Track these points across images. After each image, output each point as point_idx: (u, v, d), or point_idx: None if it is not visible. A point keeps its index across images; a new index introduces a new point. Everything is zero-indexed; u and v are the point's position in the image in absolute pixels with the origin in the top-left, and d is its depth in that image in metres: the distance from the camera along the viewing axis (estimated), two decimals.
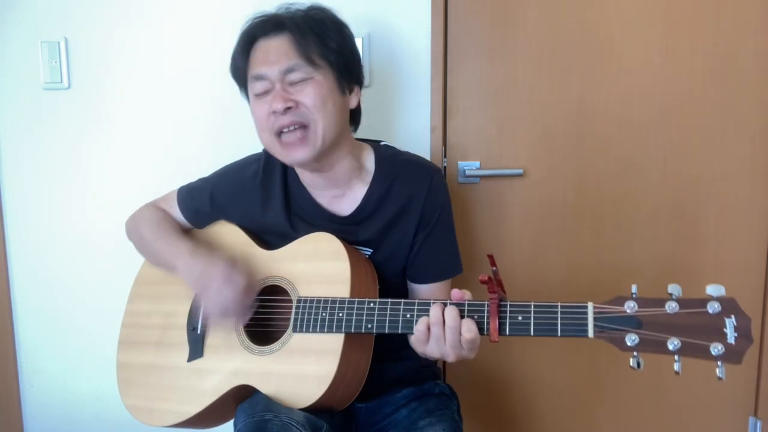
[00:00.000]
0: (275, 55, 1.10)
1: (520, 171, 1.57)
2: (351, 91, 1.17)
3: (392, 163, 1.21)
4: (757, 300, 1.60)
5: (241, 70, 1.17)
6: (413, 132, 1.57)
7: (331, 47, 1.11)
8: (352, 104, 1.18)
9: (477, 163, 1.58)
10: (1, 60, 1.62)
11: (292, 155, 1.13)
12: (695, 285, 1.61)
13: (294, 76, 1.10)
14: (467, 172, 1.57)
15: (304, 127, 1.10)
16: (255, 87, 1.13)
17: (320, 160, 1.15)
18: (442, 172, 1.24)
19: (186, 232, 1.33)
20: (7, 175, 1.67)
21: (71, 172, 1.65)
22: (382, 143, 1.27)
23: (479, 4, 1.54)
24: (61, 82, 1.60)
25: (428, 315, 0.98)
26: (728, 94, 1.53)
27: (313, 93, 1.09)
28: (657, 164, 1.57)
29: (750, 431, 1.66)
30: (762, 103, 1.53)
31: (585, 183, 1.58)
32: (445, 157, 1.58)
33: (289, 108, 1.09)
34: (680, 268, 1.60)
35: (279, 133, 1.12)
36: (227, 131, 1.60)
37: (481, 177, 1.59)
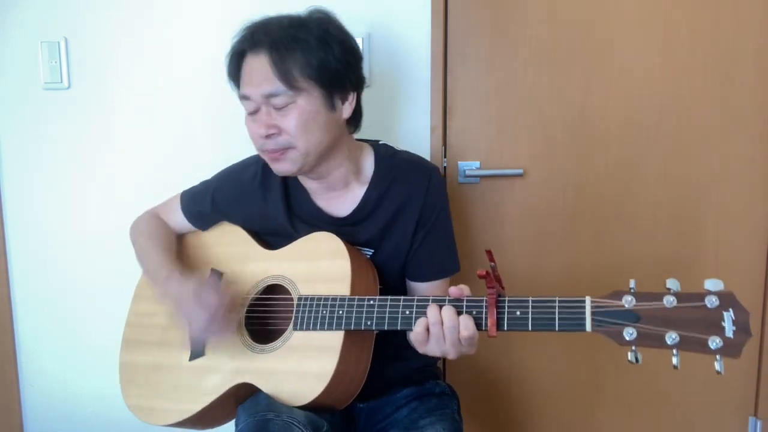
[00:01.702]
0: (258, 77, 1.08)
1: (520, 171, 1.57)
2: (345, 100, 1.14)
3: (391, 163, 1.21)
4: (757, 300, 1.60)
5: (234, 83, 1.16)
6: (413, 132, 1.57)
7: (312, 65, 1.07)
8: (346, 114, 1.15)
9: (477, 163, 1.58)
10: (1, 60, 1.62)
11: (278, 168, 1.14)
12: (695, 285, 1.61)
13: (276, 101, 1.08)
14: (467, 172, 1.57)
15: (286, 149, 1.11)
16: (245, 106, 1.13)
17: (312, 171, 1.16)
18: (441, 170, 1.24)
19: (181, 237, 1.34)
20: (7, 175, 1.67)
21: (71, 172, 1.65)
22: (381, 142, 1.27)
23: (479, 4, 1.54)
24: (61, 82, 1.60)
25: (426, 315, 0.99)
26: (728, 94, 1.53)
27: (296, 119, 1.08)
28: (657, 164, 1.57)
29: (750, 431, 1.66)
30: (762, 103, 1.53)
31: (585, 183, 1.58)
32: (445, 157, 1.58)
33: (271, 134, 1.09)
34: (680, 268, 1.60)
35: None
36: (228, 131, 1.60)
37: (481, 177, 1.59)
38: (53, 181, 1.66)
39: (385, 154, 1.23)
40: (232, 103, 1.58)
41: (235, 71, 1.14)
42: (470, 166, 1.58)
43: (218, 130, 1.61)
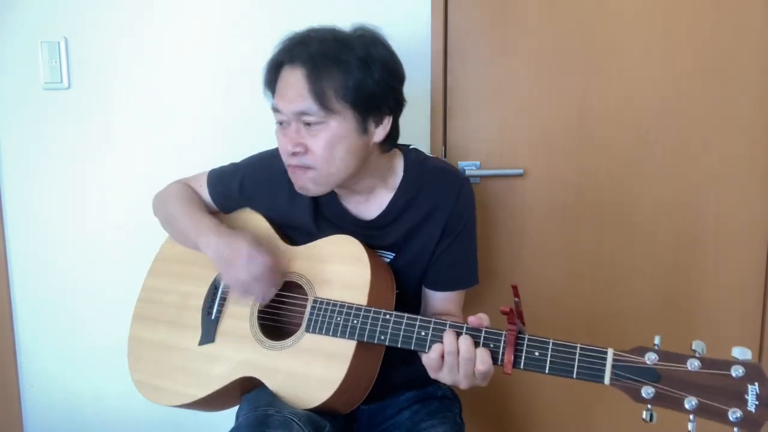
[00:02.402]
0: (292, 92, 1.06)
1: (520, 171, 1.57)
2: (379, 124, 1.11)
3: (421, 170, 1.20)
4: (757, 300, 1.60)
5: (268, 92, 1.13)
6: (413, 132, 1.57)
7: (350, 86, 1.04)
8: (377, 138, 1.11)
9: (477, 163, 1.58)
10: (1, 60, 1.62)
11: (298, 186, 1.13)
12: (695, 284, 1.61)
13: (307, 119, 1.06)
14: (467, 172, 1.57)
15: (310, 169, 1.09)
16: (275, 116, 1.11)
17: (337, 186, 1.15)
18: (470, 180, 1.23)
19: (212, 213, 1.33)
20: (7, 175, 1.67)
21: (71, 172, 1.65)
22: (411, 147, 1.26)
23: (479, 4, 1.54)
24: (61, 82, 1.60)
25: (442, 341, 0.97)
26: (728, 94, 1.53)
27: (324, 142, 1.06)
28: (657, 164, 1.57)
29: None
30: (762, 103, 1.53)
31: (585, 183, 1.58)
32: (445, 157, 1.58)
33: (297, 152, 1.08)
34: (680, 267, 1.60)
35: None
36: (228, 131, 1.60)
37: (481, 177, 1.59)
38: (53, 181, 1.66)
39: (416, 160, 1.21)
40: (233, 102, 1.59)
41: (271, 80, 1.11)
42: (470, 166, 1.58)
43: (218, 130, 1.61)
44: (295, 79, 1.06)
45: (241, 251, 1.12)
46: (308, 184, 1.11)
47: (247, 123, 1.59)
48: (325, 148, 1.06)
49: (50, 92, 1.62)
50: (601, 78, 1.54)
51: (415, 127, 1.57)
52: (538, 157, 1.58)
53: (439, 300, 1.22)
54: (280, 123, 1.11)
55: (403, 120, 1.61)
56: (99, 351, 1.69)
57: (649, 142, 1.56)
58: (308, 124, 1.07)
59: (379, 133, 1.11)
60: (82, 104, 1.62)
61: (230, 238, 1.15)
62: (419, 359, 1.04)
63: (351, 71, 1.05)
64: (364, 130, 1.09)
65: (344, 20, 1.16)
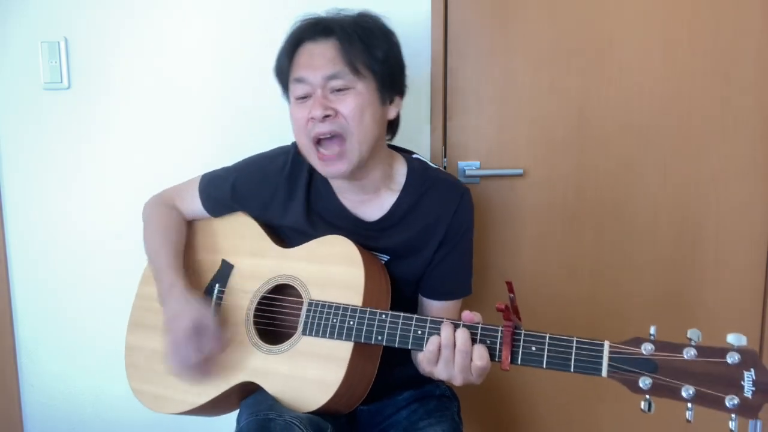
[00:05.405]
0: (320, 59, 1.08)
1: (520, 171, 1.57)
2: (392, 101, 1.15)
3: (424, 177, 1.20)
4: (757, 300, 1.60)
5: (284, 71, 1.14)
6: (413, 132, 1.57)
7: (376, 57, 1.09)
8: (391, 115, 1.16)
9: (477, 163, 1.58)
10: (1, 60, 1.62)
11: (329, 170, 1.11)
12: (695, 284, 1.61)
13: (336, 83, 1.07)
14: (467, 172, 1.57)
15: (340, 138, 1.08)
16: (296, 90, 1.11)
17: (354, 171, 1.15)
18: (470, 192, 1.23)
19: (193, 223, 1.33)
20: (7, 175, 1.67)
21: (71, 172, 1.65)
22: (413, 155, 1.27)
23: (479, 4, 1.54)
24: (61, 82, 1.60)
25: (439, 334, 0.97)
26: (728, 94, 1.53)
27: (353, 103, 1.07)
28: (657, 164, 1.57)
29: (750, 431, 1.66)
30: (762, 103, 1.53)
31: (585, 183, 1.58)
32: (445, 157, 1.58)
33: (327, 116, 1.07)
34: (680, 268, 1.60)
35: (317, 141, 1.09)
36: (228, 131, 1.60)
37: (481, 177, 1.59)
38: (53, 181, 1.66)
39: (419, 167, 1.22)
40: (233, 102, 1.59)
41: (287, 59, 1.12)
42: (470, 166, 1.58)
43: (219, 130, 1.61)
44: (324, 48, 1.09)
45: (185, 320, 1.10)
46: (342, 165, 1.09)
47: (247, 123, 1.59)
48: (355, 110, 1.08)
49: (50, 92, 1.62)
50: (601, 78, 1.54)
51: (415, 127, 1.57)
52: (538, 157, 1.58)
53: (434, 308, 1.22)
54: (303, 97, 1.10)
55: (404, 120, 1.61)
56: (99, 351, 1.69)
57: (649, 142, 1.56)
58: (338, 90, 1.08)
59: (393, 110, 1.16)
60: (82, 104, 1.62)
61: (177, 306, 1.13)
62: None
63: (380, 43, 1.10)
64: (383, 102, 1.13)
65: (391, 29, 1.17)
